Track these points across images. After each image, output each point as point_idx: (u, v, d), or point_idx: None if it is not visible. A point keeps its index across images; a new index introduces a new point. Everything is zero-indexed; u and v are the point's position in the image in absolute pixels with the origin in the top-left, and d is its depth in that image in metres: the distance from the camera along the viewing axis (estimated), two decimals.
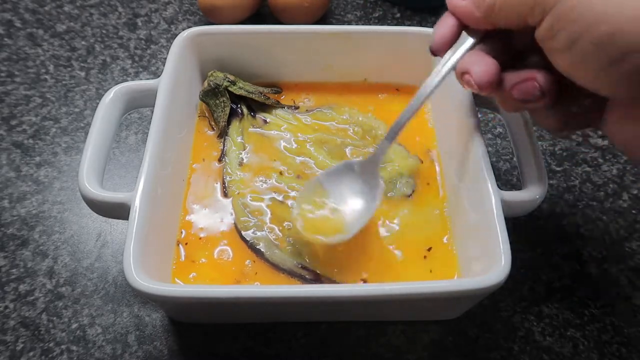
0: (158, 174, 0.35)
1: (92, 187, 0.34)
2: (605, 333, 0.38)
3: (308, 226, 0.37)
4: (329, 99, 0.46)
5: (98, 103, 0.39)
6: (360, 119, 0.45)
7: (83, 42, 0.56)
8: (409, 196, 0.41)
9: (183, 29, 0.48)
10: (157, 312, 0.38)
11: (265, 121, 0.45)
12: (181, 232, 0.38)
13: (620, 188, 0.45)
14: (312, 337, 0.37)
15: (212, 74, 0.44)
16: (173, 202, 0.39)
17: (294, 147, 0.43)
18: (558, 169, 0.46)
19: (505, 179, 0.45)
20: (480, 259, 0.34)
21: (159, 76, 0.40)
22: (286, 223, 0.38)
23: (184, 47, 0.42)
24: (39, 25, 0.58)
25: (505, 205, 0.33)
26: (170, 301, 0.31)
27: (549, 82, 0.29)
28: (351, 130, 0.44)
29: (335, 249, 0.37)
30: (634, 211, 0.44)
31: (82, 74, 0.53)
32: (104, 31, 0.57)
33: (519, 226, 0.42)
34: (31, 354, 0.36)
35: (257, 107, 0.45)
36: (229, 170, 0.41)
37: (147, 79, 0.52)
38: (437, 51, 0.33)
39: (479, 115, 0.40)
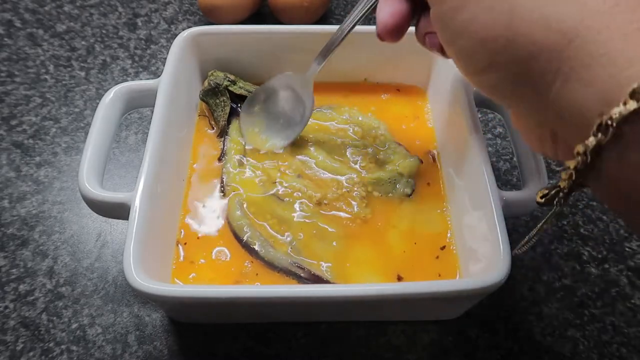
0: (158, 174, 0.35)
1: (92, 187, 0.34)
2: (605, 333, 0.38)
3: (254, 142, 0.42)
4: (329, 99, 0.46)
5: (98, 103, 0.39)
6: (360, 119, 0.45)
7: (83, 42, 0.56)
8: (409, 196, 0.41)
9: (183, 29, 0.48)
10: (157, 312, 0.38)
11: None
12: (181, 232, 0.38)
13: None
14: (312, 337, 0.37)
15: (212, 73, 0.44)
16: (173, 202, 0.39)
17: (294, 146, 0.43)
18: (558, 169, 0.46)
19: (505, 179, 0.45)
20: (480, 259, 0.34)
21: (159, 76, 0.40)
22: (284, 230, 0.39)
23: (184, 47, 0.42)
24: (39, 25, 0.58)
25: (505, 205, 0.33)
26: (170, 301, 0.31)
27: None
28: (351, 130, 0.44)
29: (333, 249, 0.37)
30: None
31: (82, 74, 0.53)
32: (104, 31, 0.57)
33: (519, 226, 0.42)
34: (31, 354, 0.36)
35: None
36: (229, 169, 0.41)
37: (147, 79, 0.52)
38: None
39: (479, 115, 0.40)
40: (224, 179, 0.41)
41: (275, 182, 0.41)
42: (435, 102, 0.45)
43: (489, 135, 0.49)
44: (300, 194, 0.40)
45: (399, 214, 0.40)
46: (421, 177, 0.42)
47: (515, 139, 0.38)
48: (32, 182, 0.45)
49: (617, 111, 0.19)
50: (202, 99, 0.44)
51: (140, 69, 0.54)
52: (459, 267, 0.37)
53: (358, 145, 0.43)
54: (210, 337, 0.37)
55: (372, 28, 0.49)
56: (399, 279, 0.36)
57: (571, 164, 0.22)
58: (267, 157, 0.42)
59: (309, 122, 0.42)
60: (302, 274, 0.36)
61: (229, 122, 0.44)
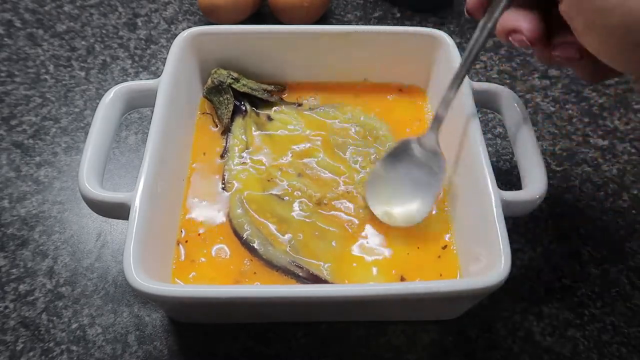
0: (158, 174, 0.35)
1: (92, 187, 0.34)
2: (605, 333, 0.38)
3: (384, 216, 0.39)
4: (334, 98, 0.46)
5: (98, 103, 0.39)
6: (362, 119, 0.45)
7: (83, 42, 0.56)
8: None
9: (183, 29, 0.48)
10: (157, 312, 0.38)
11: (268, 118, 0.45)
12: (181, 232, 0.38)
13: (620, 188, 0.45)
14: (312, 337, 0.37)
15: (215, 71, 0.44)
16: (173, 201, 0.39)
17: (296, 145, 0.43)
18: (558, 169, 0.46)
19: (505, 179, 0.45)
20: (480, 259, 0.34)
21: (159, 76, 0.40)
22: (284, 229, 0.38)
23: (184, 47, 0.42)
24: (39, 25, 0.58)
25: (505, 205, 0.33)
26: (170, 301, 0.31)
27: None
28: (353, 130, 0.44)
29: (332, 249, 0.37)
30: (634, 211, 0.44)
31: (82, 74, 0.53)
32: (104, 31, 0.57)
33: (519, 226, 0.42)
34: (31, 354, 0.36)
35: (260, 104, 0.45)
36: (231, 166, 0.41)
37: (147, 79, 0.52)
38: (473, 10, 0.34)
39: (479, 115, 0.40)
40: (225, 176, 0.41)
41: (276, 181, 0.41)
42: (435, 102, 0.45)
43: (489, 135, 0.49)
44: (300, 193, 0.40)
45: None
46: None
47: (515, 139, 0.38)
48: (32, 182, 0.45)
49: None
50: (205, 97, 0.45)
51: (140, 69, 0.54)
52: (459, 267, 0.37)
53: (359, 145, 0.43)
54: (210, 337, 0.37)
55: (372, 28, 0.49)
56: (402, 279, 0.36)
57: None
58: (269, 154, 0.42)
59: (311, 120, 0.42)
60: (300, 273, 0.36)
61: (232, 119, 0.44)
